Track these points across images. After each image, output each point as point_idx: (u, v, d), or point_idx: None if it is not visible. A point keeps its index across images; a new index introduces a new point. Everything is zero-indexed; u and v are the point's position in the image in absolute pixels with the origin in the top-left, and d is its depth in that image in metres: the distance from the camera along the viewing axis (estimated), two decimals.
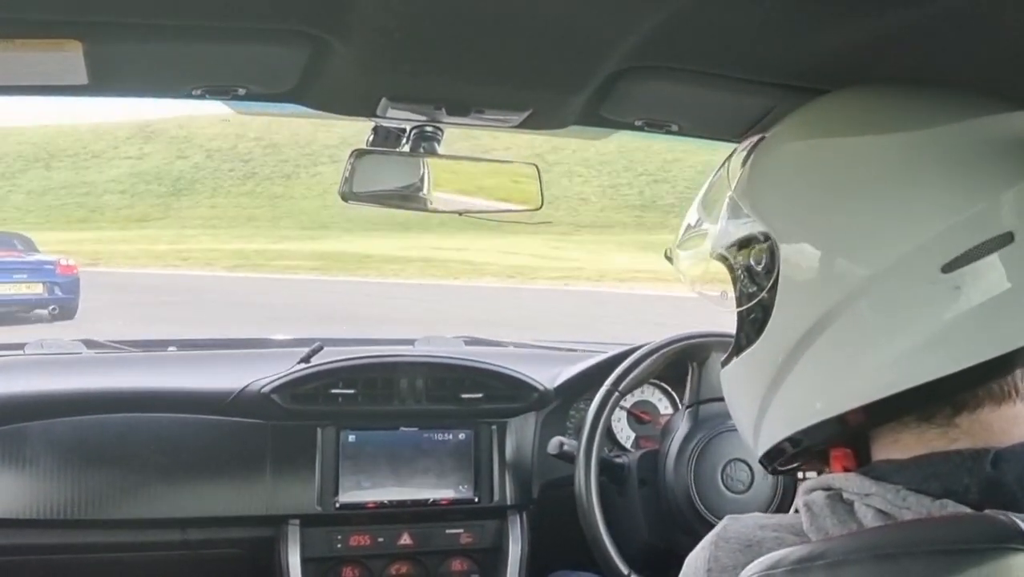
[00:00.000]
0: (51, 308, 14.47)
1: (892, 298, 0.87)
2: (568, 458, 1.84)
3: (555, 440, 1.88)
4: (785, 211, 0.94)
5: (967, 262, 0.85)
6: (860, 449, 0.95)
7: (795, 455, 0.99)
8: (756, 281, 0.96)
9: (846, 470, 0.96)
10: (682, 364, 2.03)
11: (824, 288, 0.90)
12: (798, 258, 0.92)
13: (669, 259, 1.12)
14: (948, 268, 0.85)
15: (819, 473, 1.03)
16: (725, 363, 1.05)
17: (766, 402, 0.97)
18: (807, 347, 0.91)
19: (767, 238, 0.94)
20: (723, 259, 1.02)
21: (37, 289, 14.33)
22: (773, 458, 1.01)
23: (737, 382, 1.03)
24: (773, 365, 0.94)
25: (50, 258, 15.19)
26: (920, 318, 0.86)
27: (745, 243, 0.97)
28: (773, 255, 0.94)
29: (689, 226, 1.11)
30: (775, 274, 0.93)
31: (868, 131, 0.94)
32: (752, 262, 0.96)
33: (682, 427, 1.99)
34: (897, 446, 0.92)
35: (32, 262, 14.87)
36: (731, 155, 1.05)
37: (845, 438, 0.95)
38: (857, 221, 0.89)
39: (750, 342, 0.98)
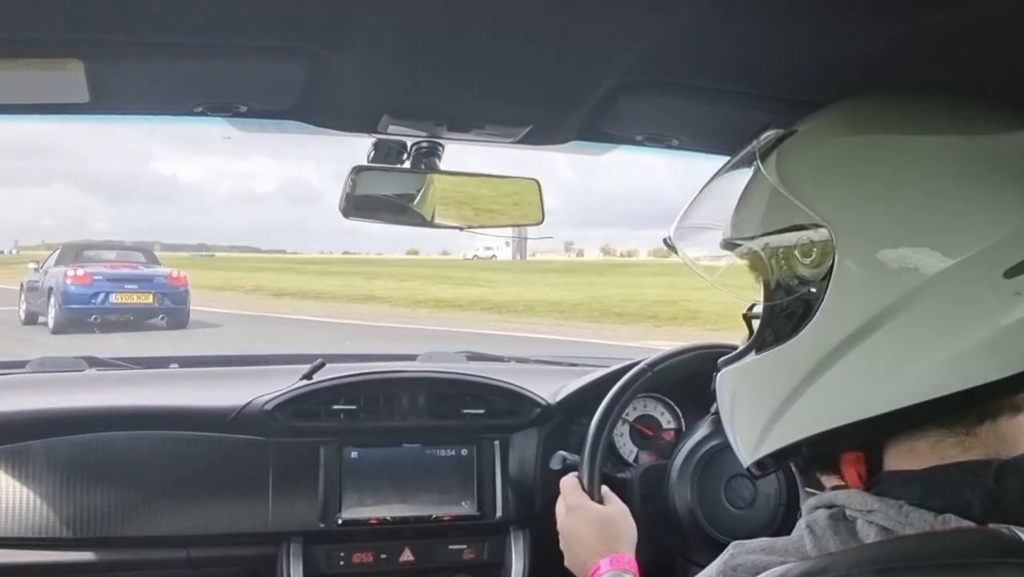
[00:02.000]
0: (160, 317, 15.64)
1: (951, 300, 0.85)
2: (570, 472, 1.83)
3: (558, 455, 1.87)
4: (843, 205, 0.91)
5: None
6: (872, 453, 0.94)
7: (801, 458, 0.98)
8: (801, 275, 0.94)
9: (857, 476, 0.94)
10: (684, 377, 2.03)
11: (880, 288, 0.88)
12: (857, 253, 0.89)
13: (671, 248, 1.08)
14: (1011, 273, 0.84)
15: (819, 476, 1.03)
16: (735, 360, 1.03)
17: (790, 400, 0.94)
18: (854, 345, 0.89)
19: (819, 231, 0.92)
20: (748, 251, 1.00)
21: (148, 299, 15.52)
22: (777, 460, 0.99)
23: (755, 379, 1.00)
24: (809, 362, 0.92)
25: (162, 271, 16.47)
26: (977, 322, 0.85)
27: (789, 236, 0.95)
28: (826, 249, 0.91)
29: (696, 217, 1.09)
30: (827, 268, 0.91)
31: (929, 130, 0.93)
32: (798, 255, 0.94)
33: (685, 442, 1.99)
34: (911, 454, 0.91)
35: (145, 274, 16.05)
36: (751, 148, 1.02)
37: (862, 443, 0.94)
38: (922, 219, 0.87)
39: (782, 339, 0.95)
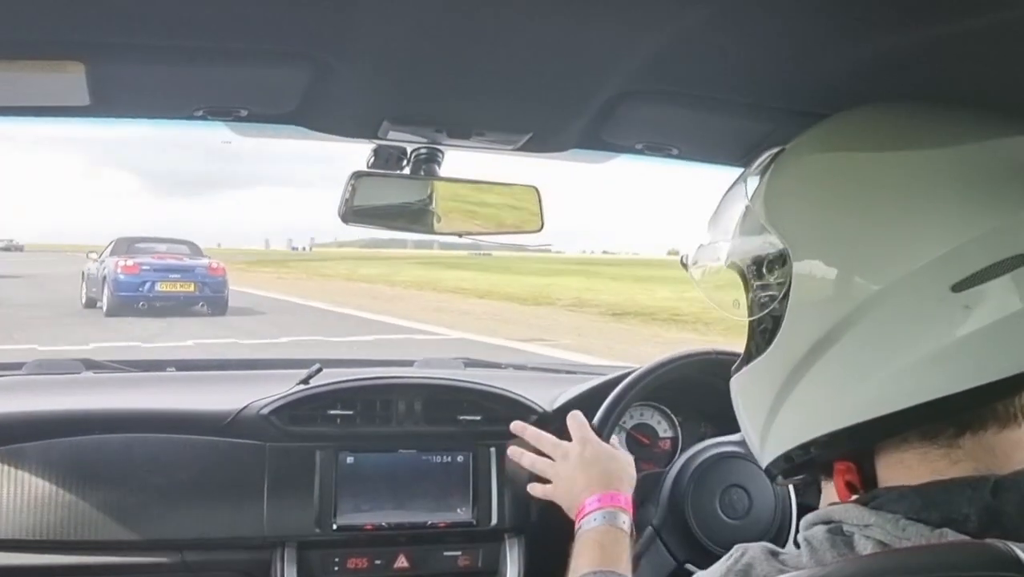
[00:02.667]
0: (200, 304, 17.66)
1: (900, 314, 0.87)
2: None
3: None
4: (800, 223, 0.95)
5: (978, 282, 0.85)
6: (864, 464, 0.96)
7: (801, 465, 0.99)
8: (768, 291, 0.97)
9: (848, 485, 0.96)
10: (681, 385, 2.03)
11: (834, 301, 0.90)
12: (810, 270, 0.92)
13: (685, 266, 1.12)
14: (958, 287, 0.85)
15: (822, 482, 1.04)
16: (735, 371, 1.06)
17: (774, 412, 0.97)
18: (816, 359, 0.91)
19: (780, 249, 0.95)
20: (738, 269, 1.02)
21: (189, 288, 17.54)
22: (780, 467, 1.01)
23: (746, 391, 1.03)
24: (781, 375, 0.95)
25: (203, 262, 18.44)
26: (928, 335, 0.86)
27: (759, 253, 0.98)
28: (786, 266, 0.94)
29: (704, 236, 1.11)
30: (787, 285, 0.94)
31: (886, 147, 0.95)
32: (765, 272, 0.97)
33: (682, 451, 1.99)
34: (901, 466, 0.92)
35: (188, 264, 18.07)
36: (749, 167, 1.05)
37: (850, 452, 0.96)
38: (869, 235, 0.89)
39: (760, 352, 0.99)
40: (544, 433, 1.76)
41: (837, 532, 0.91)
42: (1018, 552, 0.77)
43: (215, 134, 1.56)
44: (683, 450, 2.07)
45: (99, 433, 1.97)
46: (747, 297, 1.02)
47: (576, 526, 1.54)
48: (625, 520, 1.51)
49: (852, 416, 0.90)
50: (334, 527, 2.04)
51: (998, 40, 1.03)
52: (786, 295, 0.94)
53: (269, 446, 2.04)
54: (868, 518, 0.89)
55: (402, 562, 2.09)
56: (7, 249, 68.23)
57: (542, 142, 1.49)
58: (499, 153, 1.56)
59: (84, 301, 18.51)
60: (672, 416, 2.29)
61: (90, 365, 2.48)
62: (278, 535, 2.02)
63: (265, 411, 2.05)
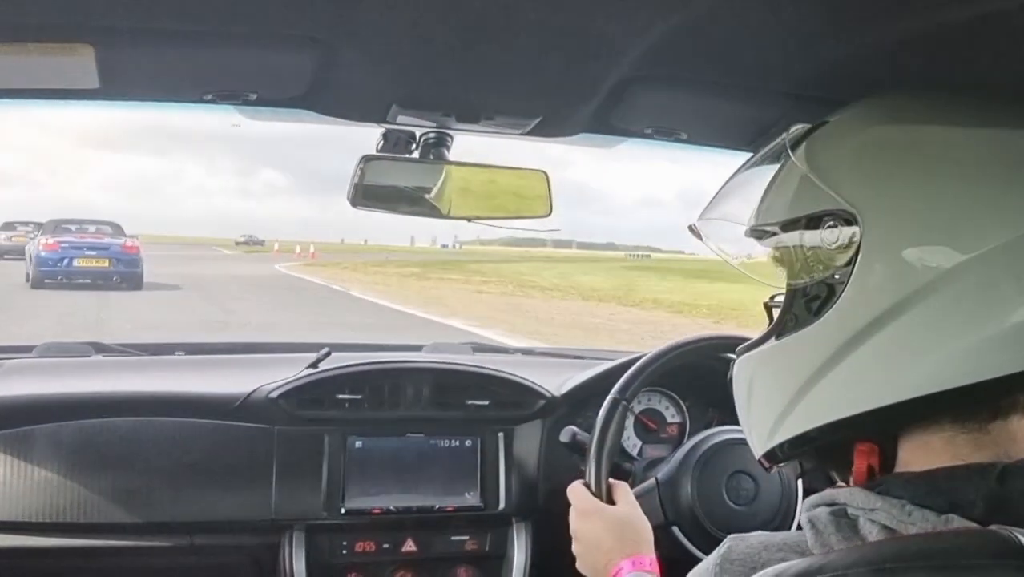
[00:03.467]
0: (114, 278, 19.32)
1: (975, 290, 0.86)
2: (579, 449, 1.82)
3: (568, 429, 1.84)
4: (872, 191, 0.92)
5: None
6: (886, 447, 0.94)
7: (811, 448, 0.98)
8: (826, 260, 0.94)
9: (869, 468, 0.94)
10: (690, 370, 2.03)
11: (907, 272, 0.88)
12: (885, 239, 0.89)
13: (696, 233, 1.09)
14: None
15: (826, 471, 1.03)
16: (754, 346, 1.03)
17: (809, 385, 0.94)
18: (876, 331, 0.89)
19: (847, 216, 0.92)
20: (773, 236, 1.00)
21: (104, 263, 19.37)
22: (789, 450, 0.99)
23: (774, 364, 1.00)
24: (830, 347, 0.92)
25: (118, 241, 20.09)
26: (996, 314, 0.85)
27: (816, 221, 0.94)
28: (852, 234, 0.91)
29: (721, 206, 1.09)
30: (852, 253, 0.91)
31: (963, 125, 0.93)
32: (825, 240, 0.94)
33: (689, 436, 1.99)
34: (925, 449, 0.91)
35: (104, 243, 19.83)
36: (780, 140, 1.02)
37: (877, 433, 0.94)
38: (952, 207, 0.88)
39: (802, 324, 0.96)
40: (575, 494, 1.67)
41: (841, 515, 0.90)
42: (1022, 540, 0.77)
43: (227, 117, 1.56)
44: (690, 435, 2.07)
45: (108, 416, 1.97)
46: (793, 266, 0.98)
47: None
48: None
49: (903, 392, 0.88)
50: (342, 511, 2.04)
51: (1005, 25, 1.02)
52: (849, 264, 0.91)
53: (278, 430, 2.04)
54: (874, 502, 0.88)
55: (410, 546, 2.10)
56: (246, 243, 72.49)
57: (551, 126, 1.49)
58: (508, 137, 1.56)
59: (27, 278, 20.03)
60: (680, 401, 2.29)
61: (99, 348, 2.49)
62: (286, 518, 2.03)
63: (274, 395, 2.06)
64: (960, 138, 0.92)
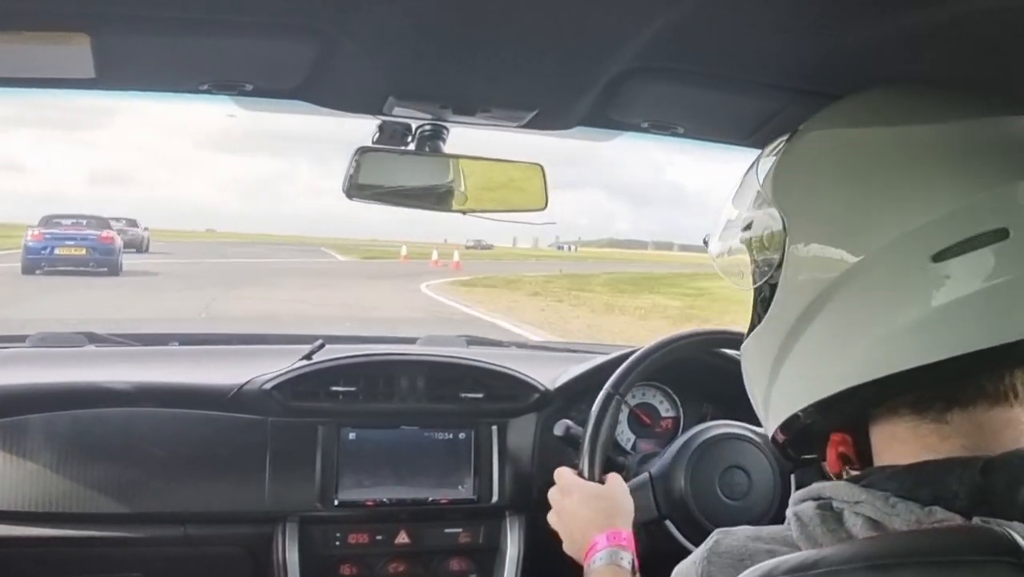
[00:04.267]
0: (90, 264, 21.43)
1: (882, 282, 0.89)
2: (573, 442, 1.82)
3: (562, 422, 1.84)
4: (798, 197, 0.98)
5: (958, 253, 0.87)
6: (859, 437, 0.98)
7: (801, 437, 1.01)
8: (766, 261, 1.00)
9: (841, 457, 1.00)
10: (683, 365, 2.03)
11: (821, 269, 0.93)
12: (801, 239, 0.96)
13: (706, 243, 1.16)
14: (939, 257, 0.87)
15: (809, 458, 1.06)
16: (744, 340, 1.08)
17: (772, 380, 1.00)
18: (806, 326, 0.94)
19: (779, 220, 0.98)
20: (745, 242, 1.05)
21: (81, 252, 21.52)
22: (782, 437, 1.03)
23: (750, 359, 1.06)
24: (777, 343, 0.98)
25: (95, 233, 22.14)
26: (908, 304, 0.88)
27: (761, 225, 1.01)
28: (780, 234, 0.97)
29: (724, 215, 1.14)
30: (782, 253, 0.97)
31: (881, 125, 0.97)
32: (765, 243, 1.00)
33: (682, 431, 1.99)
34: (894, 441, 0.94)
35: (83, 233, 21.95)
36: (763, 149, 1.09)
37: (845, 423, 0.99)
38: (854, 206, 0.92)
39: (760, 320, 1.02)
40: (560, 474, 1.69)
41: (827, 508, 0.92)
42: (1016, 537, 0.77)
43: (224, 108, 1.55)
44: (684, 430, 2.07)
45: (102, 407, 1.97)
46: (752, 268, 1.05)
47: (584, 572, 1.52)
48: (625, 557, 1.49)
49: (838, 383, 0.92)
50: (336, 502, 2.04)
51: (1002, 22, 1.03)
52: (779, 264, 0.97)
53: (271, 421, 2.04)
54: (859, 495, 0.90)
55: (403, 538, 2.10)
56: (475, 247, 72.61)
57: (547, 119, 1.49)
58: (504, 130, 1.56)
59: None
60: (674, 396, 2.29)
61: (93, 338, 2.49)
62: (280, 510, 2.03)
63: (268, 386, 2.06)
64: (882, 138, 0.96)
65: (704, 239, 1.16)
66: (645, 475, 1.86)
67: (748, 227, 1.04)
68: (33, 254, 21.51)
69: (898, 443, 0.93)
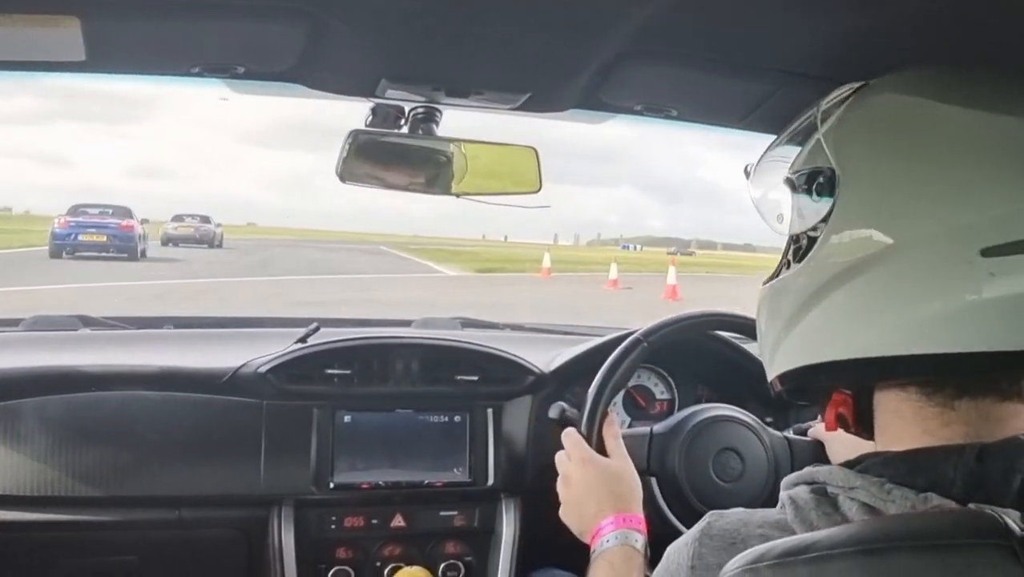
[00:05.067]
0: (110, 250, 23.29)
1: (927, 263, 0.88)
2: (568, 425, 1.82)
3: (557, 405, 1.82)
4: (858, 154, 0.96)
5: (1009, 252, 0.86)
6: (862, 400, 0.99)
7: (801, 387, 1.02)
8: (811, 211, 0.98)
9: (839, 417, 1.01)
10: (679, 348, 2.03)
11: (869, 236, 0.92)
12: (856, 200, 0.94)
13: (747, 174, 1.15)
14: (988, 253, 0.86)
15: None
16: (766, 282, 1.08)
17: (789, 327, 0.99)
18: (838, 287, 0.93)
19: (833, 174, 0.96)
20: (790, 184, 1.03)
21: (102, 239, 23.50)
22: (782, 385, 1.03)
23: (769, 303, 1.05)
24: (804, 294, 0.97)
25: (115, 221, 24.12)
26: (947, 292, 0.87)
27: (813, 175, 0.99)
28: (834, 191, 0.96)
29: (770, 150, 1.14)
30: (831, 209, 0.96)
31: (956, 104, 0.95)
32: (814, 192, 0.98)
33: (677, 411, 1.99)
34: (897, 416, 0.94)
35: (103, 222, 24.02)
36: (832, 95, 1.05)
37: (852, 384, 0.99)
38: (918, 184, 0.91)
39: (790, 267, 1.01)
40: (570, 440, 1.65)
41: (821, 492, 0.92)
42: (1007, 520, 0.78)
43: (215, 91, 1.55)
44: (677, 410, 2.08)
45: (96, 390, 1.97)
46: (792, 212, 1.03)
47: (591, 550, 1.49)
48: (639, 539, 1.47)
49: (856, 350, 0.92)
50: (331, 485, 2.05)
51: (999, 6, 1.02)
52: (826, 218, 0.96)
53: (266, 404, 2.04)
54: (854, 481, 0.90)
55: (399, 521, 2.11)
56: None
57: (541, 102, 1.49)
58: (498, 112, 1.55)
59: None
60: (669, 379, 2.30)
61: (87, 322, 2.48)
62: (275, 493, 2.03)
63: (263, 369, 2.06)
64: (952, 118, 0.94)
65: (745, 168, 1.15)
66: (646, 428, 1.86)
67: (799, 172, 1.02)
68: (59, 240, 23.40)
69: (900, 420, 0.94)
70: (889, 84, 1.01)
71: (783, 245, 1.07)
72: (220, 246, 33.45)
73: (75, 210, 24.67)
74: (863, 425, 0.99)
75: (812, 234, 0.98)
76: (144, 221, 26.04)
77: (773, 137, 1.15)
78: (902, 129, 0.95)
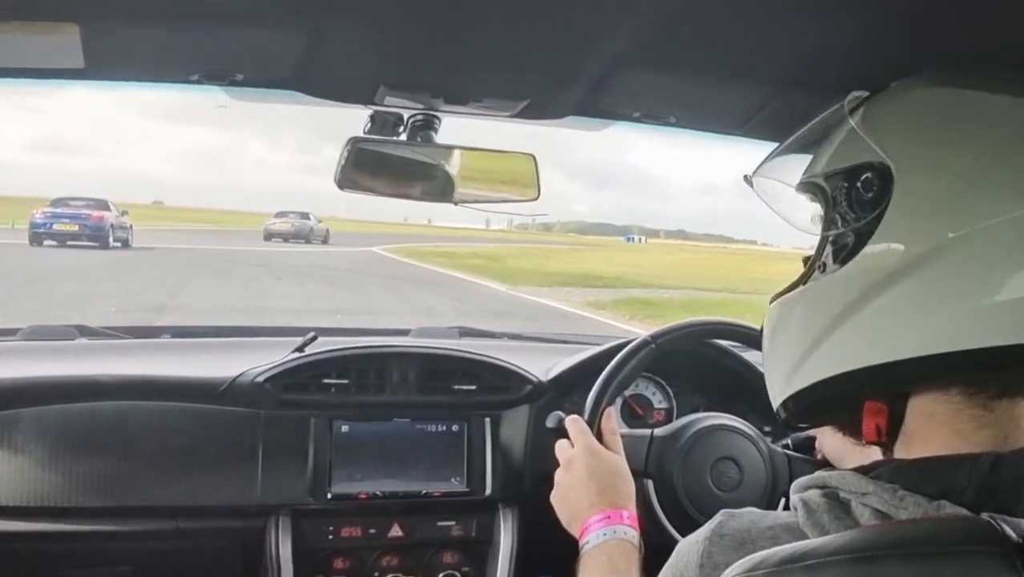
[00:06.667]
0: (81, 239, 25.24)
1: (990, 257, 0.87)
2: (565, 435, 1.82)
3: (555, 414, 1.82)
4: (911, 148, 0.94)
5: None
6: (896, 410, 0.96)
7: (822, 403, 0.99)
8: (858, 208, 0.96)
9: (877, 428, 0.96)
10: (677, 356, 2.03)
11: (930, 228, 0.89)
12: (914, 194, 0.91)
13: (749, 182, 1.12)
14: None
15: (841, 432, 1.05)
16: (779, 296, 1.05)
17: (826, 334, 0.96)
18: (895, 282, 0.91)
19: (883, 169, 0.94)
20: (816, 186, 1.01)
21: (74, 228, 25.53)
22: (801, 401, 1.01)
23: (799, 309, 1.02)
24: (849, 295, 0.94)
25: (87, 212, 26.10)
26: (1010, 283, 0.87)
27: (855, 172, 0.96)
28: (885, 186, 0.93)
29: (777, 159, 1.12)
30: (883, 204, 0.93)
31: (1001, 91, 0.94)
32: (860, 188, 0.95)
33: (675, 420, 1.98)
34: (931, 421, 0.93)
35: (76, 212, 25.97)
36: (847, 100, 1.03)
37: (892, 389, 0.95)
38: (978, 174, 0.89)
39: (827, 271, 0.98)
40: (575, 427, 1.66)
41: (833, 497, 0.91)
42: (1001, 526, 0.77)
43: (213, 98, 1.55)
44: (675, 419, 2.07)
45: (93, 400, 1.97)
46: (828, 213, 1.00)
47: (580, 543, 1.49)
48: (635, 536, 1.47)
49: (913, 348, 0.90)
50: (328, 495, 2.04)
51: (995, 16, 1.03)
52: (881, 214, 0.93)
53: (264, 414, 2.04)
54: (866, 486, 0.89)
55: (396, 531, 2.10)
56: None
57: (539, 109, 1.49)
58: (496, 120, 1.56)
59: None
60: (667, 388, 2.30)
61: (84, 331, 2.48)
62: (272, 503, 2.02)
63: (260, 379, 2.05)
64: (1003, 109, 0.93)
65: (745, 177, 1.12)
66: (647, 431, 1.86)
67: (837, 172, 0.99)
68: (36, 228, 25.76)
69: (932, 423, 0.92)
70: (917, 82, 1.00)
71: (814, 245, 1.04)
72: (327, 241, 36.66)
73: (57, 202, 27.07)
74: (894, 435, 0.97)
75: (860, 230, 0.95)
76: (124, 213, 28.32)
77: (771, 144, 1.14)
78: (948, 120, 0.94)
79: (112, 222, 26.48)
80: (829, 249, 0.99)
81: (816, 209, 1.03)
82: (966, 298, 0.87)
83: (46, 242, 25.51)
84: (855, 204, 0.96)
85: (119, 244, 26.64)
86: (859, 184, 0.96)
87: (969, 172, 0.90)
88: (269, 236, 35.53)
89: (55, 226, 25.67)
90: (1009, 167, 0.89)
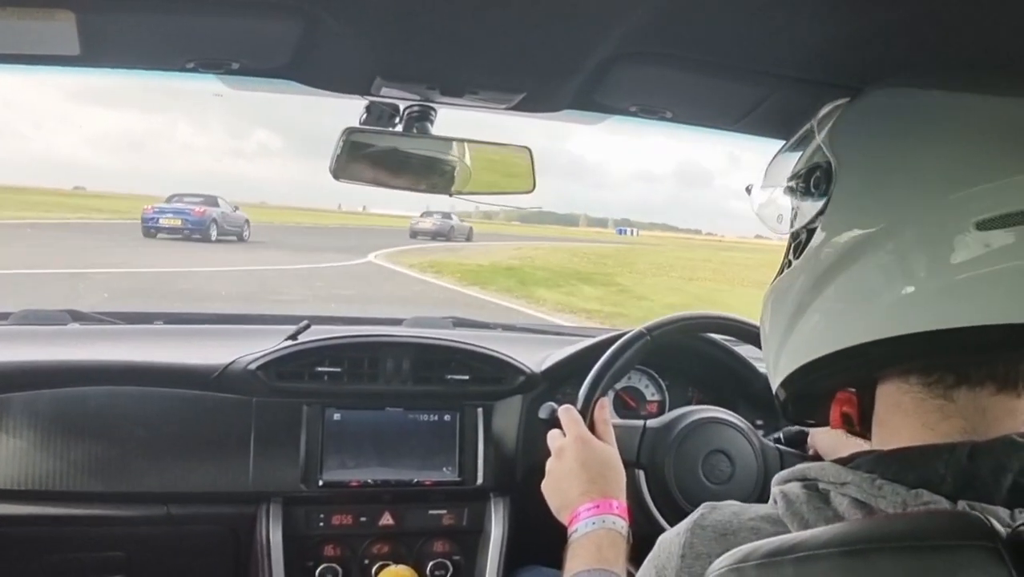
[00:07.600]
0: (184, 232, 26.11)
1: (923, 242, 0.89)
2: (558, 426, 1.82)
3: (547, 405, 1.82)
4: (851, 145, 0.98)
5: (1004, 225, 0.86)
6: (864, 399, 0.99)
7: (803, 394, 1.02)
8: (809, 205, 1.00)
9: (845, 416, 1.00)
10: (669, 349, 2.03)
11: (866, 217, 0.93)
12: (849, 187, 0.95)
13: (748, 192, 1.16)
14: (983, 225, 0.87)
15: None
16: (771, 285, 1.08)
17: (792, 325, 1.00)
18: (836, 275, 0.94)
19: (830, 167, 0.98)
20: (791, 190, 1.04)
21: (177, 222, 26.55)
22: (788, 391, 1.04)
23: (770, 304, 1.06)
24: (804, 287, 0.98)
25: (189, 207, 27.12)
26: (943, 268, 0.88)
27: (810, 171, 1.00)
28: (830, 181, 0.97)
29: (772, 165, 1.15)
30: (827, 199, 0.97)
31: (946, 87, 0.97)
32: (812, 187, 0.99)
33: (667, 412, 1.99)
34: (898, 410, 0.94)
35: (179, 207, 27.30)
36: (828, 106, 1.07)
37: (854, 378, 0.99)
38: (910, 163, 0.92)
39: (791, 266, 1.02)
40: (568, 416, 1.67)
41: (812, 488, 0.93)
42: (993, 522, 0.78)
43: (208, 86, 1.54)
44: (668, 411, 2.08)
45: (85, 385, 1.96)
46: (791, 213, 1.05)
47: (569, 531, 1.49)
48: (624, 526, 1.47)
49: (862, 334, 0.92)
50: (320, 483, 2.04)
51: (993, 13, 1.03)
52: (823, 210, 0.97)
53: (256, 401, 2.04)
54: (845, 476, 0.91)
55: (387, 520, 2.10)
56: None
57: (535, 102, 1.48)
58: (492, 112, 1.55)
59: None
60: (660, 380, 2.30)
61: (76, 316, 2.47)
62: (263, 490, 2.03)
63: (253, 366, 2.05)
64: (940, 101, 0.96)
65: (747, 187, 1.16)
66: (639, 421, 1.87)
67: (798, 174, 1.03)
68: (146, 223, 26.96)
69: (901, 414, 0.94)
70: (883, 84, 1.03)
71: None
72: (471, 239, 37.63)
73: (171, 198, 28.86)
74: (867, 425, 0.99)
75: (811, 226, 0.99)
76: (236, 208, 29.47)
77: (767, 140, 1.15)
78: (893, 117, 0.97)
79: (215, 217, 27.34)
80: (791, 245, 1.04)
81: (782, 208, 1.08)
82: (901, 284, 0.90)
83: (159, 235, 26.54)
84: (807, 202, 1.00)
85: (234, 238, 27.73)
86: (811, 182, 0.99)
87: (902, 162, 0.92)
88: (414, 234, 36.24)
89: (161, 221, 26.95)
90: (940, 154, 0.91)
